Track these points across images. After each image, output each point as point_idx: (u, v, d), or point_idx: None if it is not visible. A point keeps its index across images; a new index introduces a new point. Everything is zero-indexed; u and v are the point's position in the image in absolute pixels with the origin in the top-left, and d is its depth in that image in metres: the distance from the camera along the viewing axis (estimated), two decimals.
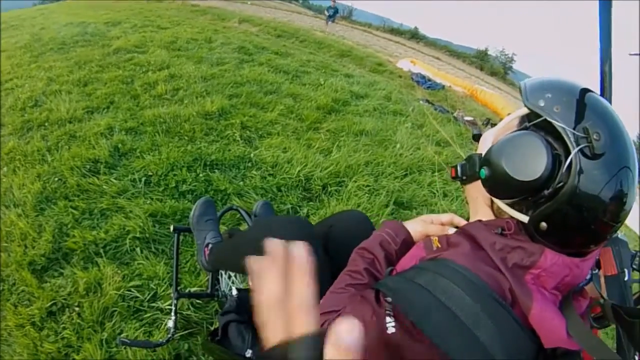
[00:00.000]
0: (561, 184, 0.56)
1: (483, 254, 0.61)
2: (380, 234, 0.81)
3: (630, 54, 0.84)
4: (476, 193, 0.70)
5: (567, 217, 0.57)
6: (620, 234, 0.67)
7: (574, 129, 0.57)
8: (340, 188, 2.56)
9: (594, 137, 0.55)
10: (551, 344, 0.55)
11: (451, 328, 0.53)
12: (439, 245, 0.69)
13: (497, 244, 0.60)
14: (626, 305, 0.58)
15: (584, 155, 0.55)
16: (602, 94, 0.79)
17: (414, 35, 25.62)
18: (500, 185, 0.62)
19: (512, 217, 0.63)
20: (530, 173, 0.57)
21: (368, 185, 2.63)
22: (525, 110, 0.65)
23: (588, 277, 0.62)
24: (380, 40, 17.25)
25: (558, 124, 0.57)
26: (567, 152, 0.56)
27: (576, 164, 0.55)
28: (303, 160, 2.71)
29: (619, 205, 0.57)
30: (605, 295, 0.61)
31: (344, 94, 4.49)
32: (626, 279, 0.62)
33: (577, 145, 0.56)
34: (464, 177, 0.72)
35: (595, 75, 0.79)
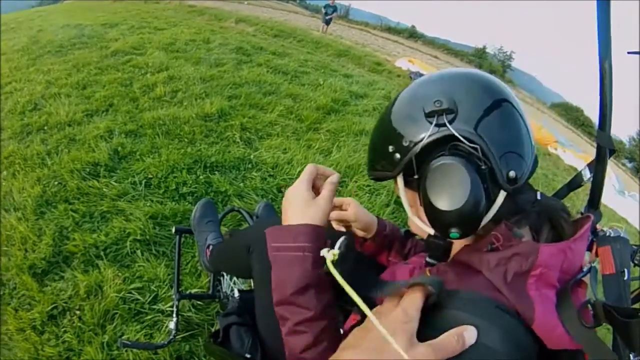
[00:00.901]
0: (478, 147, 0.58)
1: (475, 274, 0.60)
2: (302, 256, 0.65)
3: (629, 53, 0.84)
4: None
5: (506, 154, 0.60)
6: (622, 231, 0.66)
7: (428, 124, 0.60)
8: (340, 188, 2.55)
9: (436, 105, 0.59)
10: (555, 347, 0.55)
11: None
12: (429, 275, 0.68)
13: (490, 262, 0.59)
14: (623, 305, 0.57)
15: (451, 122, 0.59)
16: (601, 92, 0.78)
17: (412, 34, 25.67)
18: (470, 219, 0.59)
19: (494, 228, 0.62)
20: (464, 179, 0.57)
21: (369, 185, 2.62)
22: (401, 180, 0.66)
23: (586, 268, 0.61)
24: (378, 39, 17.28)
25: (420, 143, 0.60)
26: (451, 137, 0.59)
27: (460, 128, 0.59)
28: (303, 160, 2.72)
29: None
30: (602, 293, 0.60)
31: (343, 94, 4.49)
32: (625, 278, 0.61)
33: (442, 123, 0.59)
34: (444, 253, 0.70)
35: (595, 73, 0.78)
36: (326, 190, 0.71)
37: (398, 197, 0.69)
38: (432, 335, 0.52)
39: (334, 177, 0.73)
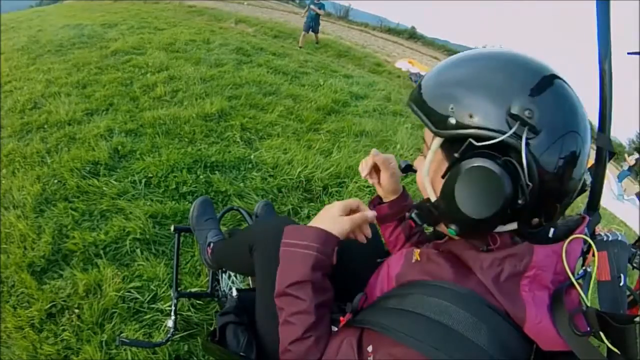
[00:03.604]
0: (530, 186, 0.53)
1: (468, 270, 0.60)
2: (307, 254, 0.68)
3: (629, 53, 0.84)
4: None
5: (547, 201, 0.56)
6: (620, 234, 0.66)
7: (505, 123, 0.53)
8: (340, 189, 2.55)
9: (526, 114, 0.52)
10: (549, 348, 0.55)
11: (450, 342, 0.52)
12: (419, 259, 0.68)
13: (484, 262, 0.58)
14: (620, 312, 0.57)
15: (529, 141, 0.53)
16: (601, 93, 0.77)
17: (412, 35, 25.63)
18: (474, 228, 0.58)
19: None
20: (495, 202, 0.53)
21: (369, 186, 2.62)
22: (439, 140, 0.61)
23: (582, 272, 0.61)
24: (378, 40, 17.25)
25: (487, 134, 0.53)
26: (515, 153, 0.53)
27: (530, 159, 0.52)
28: (303, 161, 2.71)
29: (576, 166, 0.56)
30: (597, 300, 0.60)
31: (343, 94, 4.49)
32: (621, 284, 0.61)
33: (519, 140, 0.52)
34: (429, 223, 0.68)
35: (594, 74, 0.78)
36: (357, 216, 0.73)
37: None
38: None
39: (370, 213, 0.74)
